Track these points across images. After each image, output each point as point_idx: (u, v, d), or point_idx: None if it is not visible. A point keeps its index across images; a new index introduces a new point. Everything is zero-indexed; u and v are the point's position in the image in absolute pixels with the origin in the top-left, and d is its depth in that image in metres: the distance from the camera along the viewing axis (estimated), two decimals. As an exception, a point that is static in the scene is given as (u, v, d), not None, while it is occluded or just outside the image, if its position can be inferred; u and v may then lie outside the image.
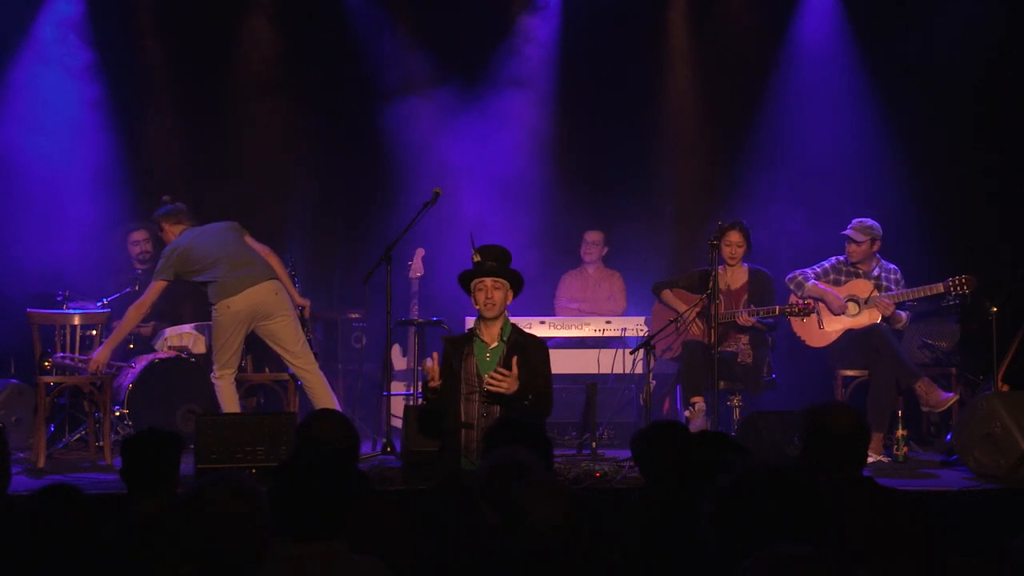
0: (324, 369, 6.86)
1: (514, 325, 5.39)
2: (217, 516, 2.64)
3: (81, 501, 3.07)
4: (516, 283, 5.35)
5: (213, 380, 6.59)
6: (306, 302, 6.89)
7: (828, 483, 3.27)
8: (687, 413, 6.70)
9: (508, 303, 5.33)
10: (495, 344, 5.29)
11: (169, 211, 6.85)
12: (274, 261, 6.75)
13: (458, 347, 5.31)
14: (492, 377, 5.11)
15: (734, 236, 7.03)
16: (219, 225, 6.78)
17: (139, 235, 7.86)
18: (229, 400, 6.55)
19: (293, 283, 7.00)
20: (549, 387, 5.32)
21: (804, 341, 7.15)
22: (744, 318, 6.90)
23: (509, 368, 5.13)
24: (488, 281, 5.27)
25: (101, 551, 3.00)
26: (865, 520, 3.16)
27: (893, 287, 7.03)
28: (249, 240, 6.77)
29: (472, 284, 5.32)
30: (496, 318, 5.28)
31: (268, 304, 6.54)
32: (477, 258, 5.37)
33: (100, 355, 6.55)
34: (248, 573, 2.66)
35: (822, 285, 7.06)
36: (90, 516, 3.03)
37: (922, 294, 6.89)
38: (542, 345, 5.40)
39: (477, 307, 5.30)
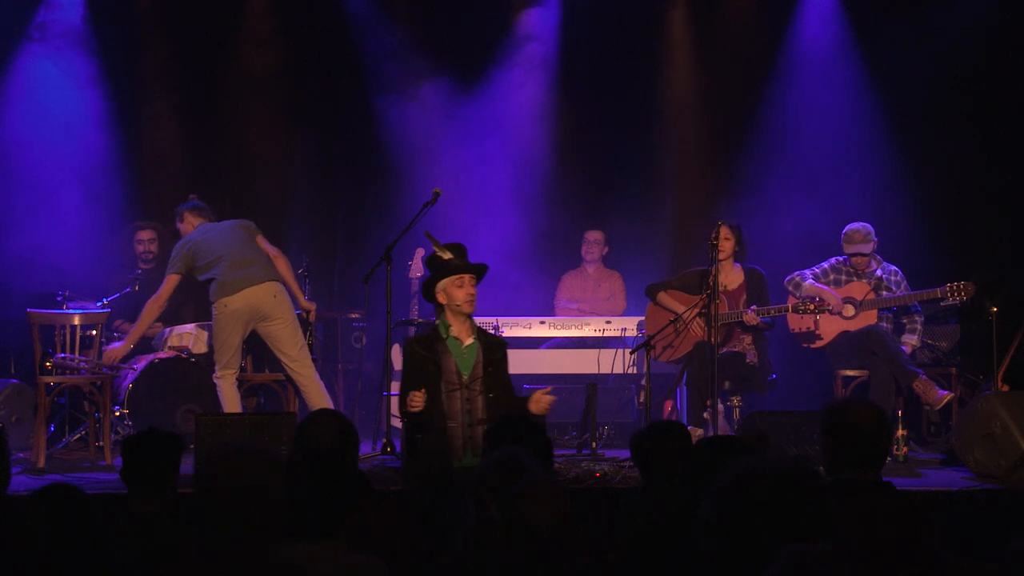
0: (324, 369, 6.87)
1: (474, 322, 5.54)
2: (237, 481, 2.62)
3: (82, 501, 3.06)
4: (481, 278, 5.50)
5: (215, 380, 6.61)
6: (311, 306, 6.89)
7: (840, 484, 3.26)
8: (706, 415, 6.63)
9: None
10: (470, 341, 5.35)
11: (192, 205, 6.92)
12: (282, 263, 6.75)
13: (430, 346, 5.35)
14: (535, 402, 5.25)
15: (722, 231, 6.99)
16: (230, 223, 6.80)
17: (145, 234, 7.87)
18: (230, 400, 6.56)
19: (304, 286, 7.01)
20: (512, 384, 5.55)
21: (801, 342, 7.15)
22: (751, 316, 6.86)
23: (490, 367, 5.33)
24: (467, 277, 5.34)
25: (101, 551, 3.00)
26: (879, 529, 3.14)
27: (894, 288, 7.04)
28: (261, 241, 6.77)
29: (447, 281, 5.35)
30: (471, 314, 5.37)
31: (266, 306, 6.55)
32: (447, 255, 5.42)
33: (118, 350, 6.62)
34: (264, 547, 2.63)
35: (819, 284, 7.06)
36: (91, 516, 3.03)
37: (920, 298, 6.90)
38: (505, 343, 5.60)
39: (455, 304, 5.34)
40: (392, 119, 8.65)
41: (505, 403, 5.31)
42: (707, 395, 6.63)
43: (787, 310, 6.90)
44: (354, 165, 8.87)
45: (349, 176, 8.90)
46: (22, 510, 2.71)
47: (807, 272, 7.17)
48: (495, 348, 5.39)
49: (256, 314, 6.56)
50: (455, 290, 5.32)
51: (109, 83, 8.38)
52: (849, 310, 7.02)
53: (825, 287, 7.05)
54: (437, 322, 5.46)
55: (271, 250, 6.77)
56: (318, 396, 6.60)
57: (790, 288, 7.14)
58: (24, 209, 8.11)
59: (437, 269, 5.44)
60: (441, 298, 5.37)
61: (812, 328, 7.08)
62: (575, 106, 8.76)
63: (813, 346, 7.13)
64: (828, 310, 6.94)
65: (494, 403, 5.28)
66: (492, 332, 7.14)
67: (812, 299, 6.88)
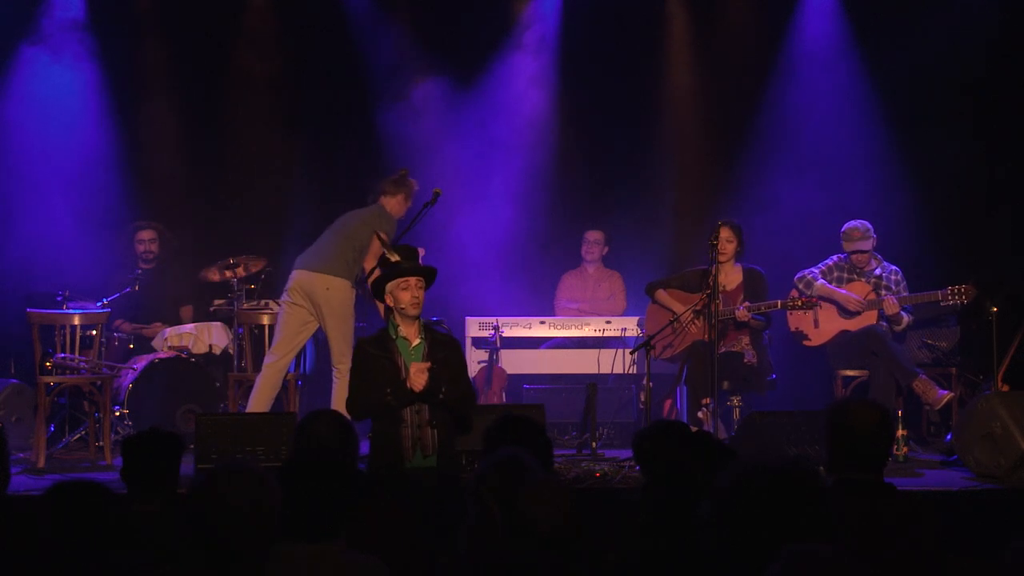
0: (324, 369, 6.85)
1: (424, 322, 5.49)
2: (229, 503, 2.63)
3: (107, 499, 3.04)
4: (431, 281, 5.50)
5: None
6: None
7: (840, 485, 3.26)
8: (700, 414, 6.64)
9: None
10: (417, 342, 5.36)
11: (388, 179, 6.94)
12: (371, 265, 6.54)
13: (384, 347, 5.33)
14: (413, 375, 5.19)
15: (724, 232, 6.99)
16: (361, 211, 6.79)
17: (146, 234, 7.87)
18: (257, 392, 6.52)
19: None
20: (470, 381, 5.59)
21: (799, 340, 7.15)
22: (742, 313, 6.87)
23: (433, 365, 5.25)
24: (413, 280, 5.35)
25: (100, 551, 3.00)
26: (879, 529, 3.14)
27: (893, 288, 7.02)
28: (377, 239, 6.48)
29: (393, 284, 5.36)
30: (417, 316, 5.37)
31: (317, 294, 6.51)
32: (395, 257, 5.45)
33: None
34: (258, 562, 2.65)
35: (831, 286, 7.05)
36: (116, 515, 3.02)
37: (920, 300, 6.90)
38: (457, 342, 5.62)
39: (400, 307, 5.33)
40: (392, 119, 8.63)
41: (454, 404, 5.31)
42: (703, 395, 6.65)
43: (776, 306, 6.90)
44: (354, 165, 8.86)
45: (349, 176, 8.89)
46: (36, 508, 2.71)
47: (815, 270, 7.15)
48: (439, 347, 5.37)
49: (311, 298, 6.53)
50: (400, 293, 5.33)
51: (109, 83, 8.38)
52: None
53: (840, 290, 7.03)
54: (388, 324, 5.46)
55: (370, 255, 6.57)
56: (338, 399, 6.54)
57: (800, 286, 7.12)
58: (24, 209, 8.11)
59: (386, 271, 5.47)
60: (389, 300, 5.38)
61: (811, 326, 7.07)
62: (575, 106, 8.75)
63: (811, 344, 7.12)
64: (815, 306, 6.95)
65: (441, 405, 5.26)
66: (494, 333, 7.15)
67: (803, 296, 6.89)
